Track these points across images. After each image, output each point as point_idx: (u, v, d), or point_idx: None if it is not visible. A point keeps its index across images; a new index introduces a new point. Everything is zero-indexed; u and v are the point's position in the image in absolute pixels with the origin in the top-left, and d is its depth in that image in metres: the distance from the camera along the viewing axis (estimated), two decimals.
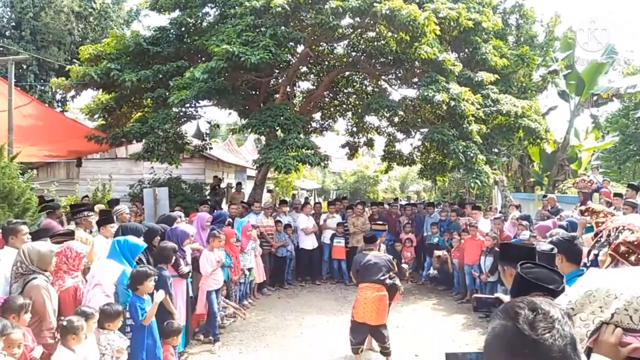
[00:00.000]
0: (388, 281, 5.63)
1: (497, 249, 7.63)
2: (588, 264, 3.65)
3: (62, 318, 3.62)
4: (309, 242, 10.34)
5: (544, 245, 3.29)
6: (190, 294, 6.09)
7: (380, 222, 8.25)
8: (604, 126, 22.83)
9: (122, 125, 11.40)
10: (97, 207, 7.98)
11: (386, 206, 13.06)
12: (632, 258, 2.97)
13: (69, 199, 12.48)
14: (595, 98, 18.05)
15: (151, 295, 4.51)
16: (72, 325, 3.50)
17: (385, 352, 5.73)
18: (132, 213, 9.42)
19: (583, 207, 4.95)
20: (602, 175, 12.48)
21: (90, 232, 6.04)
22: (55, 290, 3.93)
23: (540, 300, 1.16)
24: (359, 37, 11.56)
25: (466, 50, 11.85)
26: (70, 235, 4.85)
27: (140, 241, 4.87)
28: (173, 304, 5.23)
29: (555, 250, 3.12)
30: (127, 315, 4.26)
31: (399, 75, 12.33)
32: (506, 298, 2.33)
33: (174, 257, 5.38)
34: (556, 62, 16.18)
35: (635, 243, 2.85)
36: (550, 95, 18.43)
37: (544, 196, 10.95)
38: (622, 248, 2.97)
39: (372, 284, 5.56)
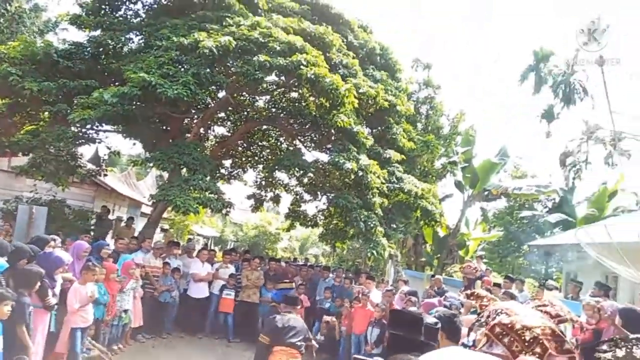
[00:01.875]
0: (302, 349, 5.23)
1: (384, 321, 7.72)
2: (469, 345, 3.75)
3: None
4: (198, 290, 9.75)
5: (430, 319, 3.34)
6: (52, 328, 5.39)
7: (287, 280, 7.73)
8: (490, 220, 24.87)
9: (9, 135, 10.35)
10: None
11: (283, 264, 12.87)
12: (506, 340, 3.10)
13: None
14: (486, 193, 19.70)
15: (4, 322, 3.90)
16: None
17: None
18: (2, 231, 8.43)
19: (469, 291, 5.20)
20: (485, 265, 13.38)
21: None
22: None
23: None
24: (282, 95, 11.81)
25: (379, 127, 12.53)
26: None
27: (1, 260, 4.25)
28: (30, 336, 4.56)
29: (440, 325, 3.17)
30: None
31: (314, 138, 12.65)
32: None
33: (39, 284, 4.75)
34: (456, 154, 17.60)
35: (509, 326, 2.99)
36: (448, 184, 19.90)
37: (433, 276, 11.48)
38: (497, 329, 3.10)
39: (288, 348, 5.10)
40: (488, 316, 3.10)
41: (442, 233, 19.74)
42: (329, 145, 11.81)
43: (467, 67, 74.60)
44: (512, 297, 7.28)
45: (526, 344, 2.78)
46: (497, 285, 8.80)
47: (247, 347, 9.50)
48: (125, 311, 7.74)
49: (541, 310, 3.61)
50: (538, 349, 2.74)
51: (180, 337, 9.42)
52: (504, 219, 25.45)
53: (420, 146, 13.01)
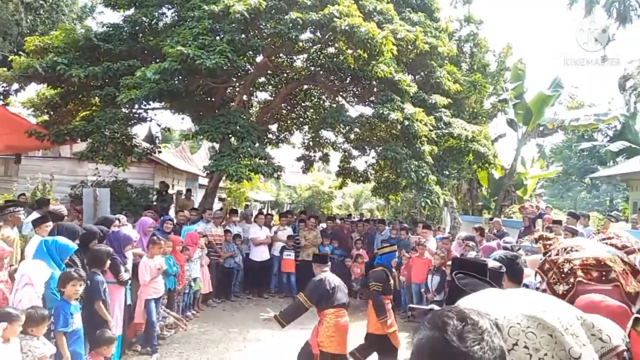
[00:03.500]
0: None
1: (444, 268, 7.72)
2: (532, 286, 3.70)
3: None
4: (259, 254, 10.12)
5: (493, 263, 3.29)
6: (129, 301, 5.77)
7: (387, 245, 7.21)
8: (548, 156, 23.95)
9: (66, 123, 10.85)
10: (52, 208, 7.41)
11: (338, 221, 13.02)
12: (549, 274, 3.05)
13: (5, 197, 11.72)
14: (541, 128, 18.87)
15: (80, 300, 4.20)
16: None
17: None
18: (73, 214, 8.93)
19: (537, 235, 5.08)
20: (545, 203, 12.97)
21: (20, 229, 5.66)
22: None
23: (469, 310, 1.07)
24: (319, 52, 11.59)
25: (421, 73, 12.11)
26: None
27: (70, 242, 4.54)
28: (109, 311, 4.92)
29: (504, 269, 3.12)
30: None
31: (356, 92, 12.45)
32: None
33: (109, 262, 5.06)
34: (506, 91, 16.84)
35: (555, 261, 2.94)
36: (499, 124, 19.19)
37: (491, 219, 11.25)
38: (546, 266, 3.04)
39: (339, 309, 5.09)
40: (549, 255, 3.03)
41: (497, 175, 19.22)
42: (372, 98, 11.59)
43: None
44: (574, 233, 7.07)
45: (562, 275, 2.84)
46: (558, 222, 8.53)
47: None
48: (195, 279, 8.14)
49: (606, 243, 3.48)
50: (572, 279, 2.79)
51: (247, 299, 9.87)
52: (562, 154, 24.45)
53: (466, 87, 12.48)
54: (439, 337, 1.02)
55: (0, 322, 3.28)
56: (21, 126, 10.15)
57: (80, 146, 11.76)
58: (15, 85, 11.19)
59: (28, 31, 16.89)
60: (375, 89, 11.06)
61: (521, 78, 18.41)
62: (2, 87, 18.33)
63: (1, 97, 18.42)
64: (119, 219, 6.65)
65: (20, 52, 12.88)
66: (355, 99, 12.82)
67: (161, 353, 6.22)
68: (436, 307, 2.35)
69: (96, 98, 10.63)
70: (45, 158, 14.81)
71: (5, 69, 10.51)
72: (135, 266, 6.16)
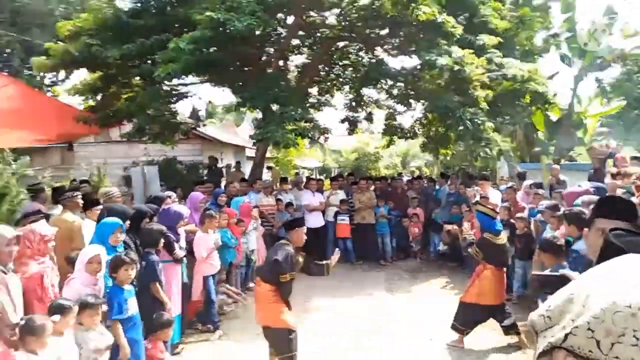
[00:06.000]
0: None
1: (512, 220, 7.18)
2: None
3: (22, 317, 3.11)
4: (313, 221, 9.85)
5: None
6: (185, 279, 5.67)
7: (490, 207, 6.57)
8: (608, 92, 22.25)
9: (112, 106, 10.87)
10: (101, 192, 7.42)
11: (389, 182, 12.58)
12: None
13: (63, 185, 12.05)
14: (599, 61, 17.41)
15: (134, 284, 4.06)
16: (32, 325, 2.97)
17: None
18: (127, 195, 8.96)
19: (614, 170, 4.52)
20: (615, 141, 11.97)
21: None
22: (18, 279, 3.45)
23: None
24: (352, 4, 10.93)
25: (464, 14, 11.21)
26: (43, 216, 4.37)
27: (115, 219, 4.39)
28: (165, 291, 4.80)
29: None
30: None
31: (396, 43, 11.71)
32: (574, 275, 1.89)
33: (163, 240, 4.92)
34: (557, 25, 15.51)
35: None
36: (551, 61, 17.81)
37: (557, 162, 10.51)
38: None
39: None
40: None
41: (554, 117, 17.98)
42: (413, 48, 10.87)
43: None
44: None
45: None
46: (637, 158, 7.76)
47: (370, 266, 9.61)
48: (252, 251, 8.03)
49: None
50: None
51: None
52: (622, 87, 22.65)
53: (515, 23, 11.50)
54: None
55: (53, 315, 3.14)
56: (70, 114, 10.24)
57: (128, 128, 11.84)
58: (61, 75, 11.22)
59: (63, 20, 17.05)
60: (417, 38, 10.33)
61: (571, 8, 16.87)
62: (49, 79, 18.83)
63: (50, 88, 18.86)
64: (169, 197, 6.52)
65: (59, 41, 12.97)
66: (395, 51, 12.10)
67: (223, 329, 6.14)
68: (569, 273, 1.93)
69: (136, 78, 10.54)
70: (97, 144, 15.14)
71: (44, 57, 10.55)
72: (189, 243, 6.02)
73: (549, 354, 1.07)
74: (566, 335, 1.03)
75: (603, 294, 1.00)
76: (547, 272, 3.46)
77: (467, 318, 5.50)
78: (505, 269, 5.71)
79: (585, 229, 2.11)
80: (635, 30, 21.78)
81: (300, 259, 4.74)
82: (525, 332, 5.38)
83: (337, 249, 5.09)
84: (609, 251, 1.26)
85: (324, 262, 4.92)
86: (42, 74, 16.61)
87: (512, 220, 7.13)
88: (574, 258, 3.45)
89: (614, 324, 0.96)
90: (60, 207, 5.75)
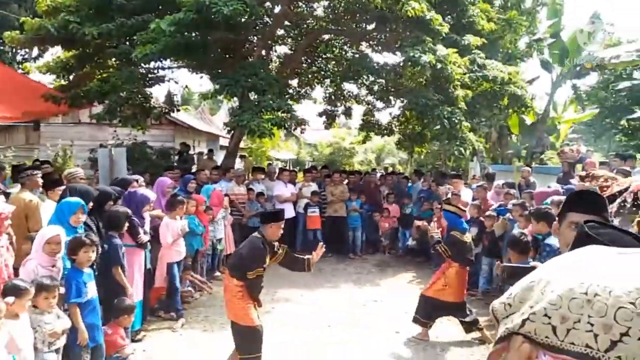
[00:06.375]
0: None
1: (481, 218, 7.26)
2: None
3: None
4: (285, 211, 9.77)
5: None
6: (148, 265, 5.50)
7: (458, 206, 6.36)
8: (583, 98, 22.74)
9: (83, 86, 10.50)
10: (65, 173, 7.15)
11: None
12: None
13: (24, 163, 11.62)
14: (578, 69, 17.74)
15: (94, 267, 3.90)
16: None
17: None
18: (93, 179, 8.71)
19: (583, 173, 4.57)
20: (585, 147, 12.23)
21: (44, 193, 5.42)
22: None
23: None
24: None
25: (452, 13, 11.24)
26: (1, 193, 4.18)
27: (77, 199, 4.21)
28: (127, 276, 4.64)
29: None
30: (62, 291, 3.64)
31: (381, 39, 11.66)
32: None
33: (128, 224, 4.75)
34: (542, 29, 15.70)
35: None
36: (532, 66, 18.10)
37: (528, 165, 10.67)
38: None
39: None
40: (636, 198, 2.54)
41: (529, 120, 18.29)
42: (398, 45, 10.84)
43: None
44: (626, 174, 6.49)
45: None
46: (605, 163, 7.94)
47: (338, 259, 9.57)
48: (220, 240, 7.88)
49: None
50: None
51: None
52: (597, 96, 23.18)
53: (501, 26, 11.58)
54: None
55: (6, 297, 2.97)
56: (37, 91, 9.87)
57: (99, 110, 11.50)
58: (35, 52, 10.79)
59: None
60: (403, 34, 10.29)
61: (558, 14, 17.10)
62: (21, 55, 18.15)
63: (20, 65, 18.19)
64: (136, 180, 6.32)
65: (35, 17, 12.50)
66: (380, 47, 12.06)
67: (186, 318, 6.00)
68: (540, 265, 1.90)
69: (112, 59, 10.21)
70: (65, 124, 14.70)
71: (17, 32, 10.12)
72: (155, 228, 5.85)
73: (507, 340, 1.08)
74: (524, 321, 1.03)
75: (562, 282, 1.01)
76: (517, 264, 3.51)
77: (427, 310, 5.54)
78: (468, 268, 5.76)
79: (555, 223, 2.14)
80: (617, 40, 22.29)
81: (281, 251, 4.60)
82: (487, 326, 5.43)
83: (320, 243, 4.92)
84: (581, 243, 1.23)
85: (306, 256, 4.74)
86: (13, 49, 16.02)
87: (481, 218, 7.21)
88: (547, 252, 3.48)
89: (570, 310, 0.96)
90: (19, 185, 5.50)
